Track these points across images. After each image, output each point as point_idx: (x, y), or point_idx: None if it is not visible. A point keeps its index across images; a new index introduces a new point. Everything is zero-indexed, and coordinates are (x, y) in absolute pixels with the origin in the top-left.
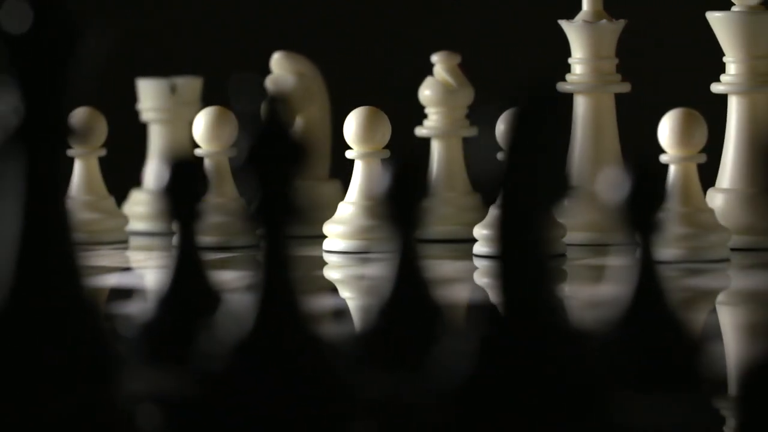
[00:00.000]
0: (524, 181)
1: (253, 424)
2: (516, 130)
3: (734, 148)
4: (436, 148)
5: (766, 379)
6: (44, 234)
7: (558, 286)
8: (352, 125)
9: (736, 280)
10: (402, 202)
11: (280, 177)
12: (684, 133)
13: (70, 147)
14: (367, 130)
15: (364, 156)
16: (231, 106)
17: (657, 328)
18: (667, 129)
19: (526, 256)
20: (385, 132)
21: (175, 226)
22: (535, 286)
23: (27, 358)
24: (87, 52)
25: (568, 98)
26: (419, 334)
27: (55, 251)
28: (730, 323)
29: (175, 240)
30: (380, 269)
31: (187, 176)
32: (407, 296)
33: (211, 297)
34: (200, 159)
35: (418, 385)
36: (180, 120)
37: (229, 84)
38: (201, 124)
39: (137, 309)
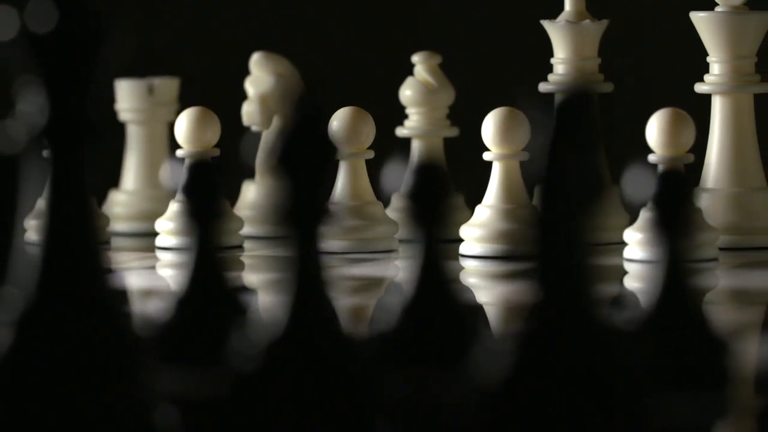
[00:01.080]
0: (563, 183)
1: (278, 424)
2: (555, 132)
3: (718, 148)
4: (416, 148)
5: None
6: (68, 234)
7: (595, 287)
8: (338, 125)
9: (724, 279)
10: (426, 201)
11: (314, 175)
12: (672, 133)
13: (95, 147)
14: (352, 130)
15: (349, 157)
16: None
17: (683, 326)
18: (655, 129)
19: (565, 257)
20: (370, 132)
21: (193, 227)
22: (573, 287)
23: (51, 358)
24: (112, 52)
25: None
26: (449, 334)
27: (79, 251)
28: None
29: (193, 241)
30: (404, 269)
31: (209, 176)
32: (431, 296)
33: (232, 298)
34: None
35: (449, 384)
36: (157, 120)
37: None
38: (183, 124)
39: (159, 309)
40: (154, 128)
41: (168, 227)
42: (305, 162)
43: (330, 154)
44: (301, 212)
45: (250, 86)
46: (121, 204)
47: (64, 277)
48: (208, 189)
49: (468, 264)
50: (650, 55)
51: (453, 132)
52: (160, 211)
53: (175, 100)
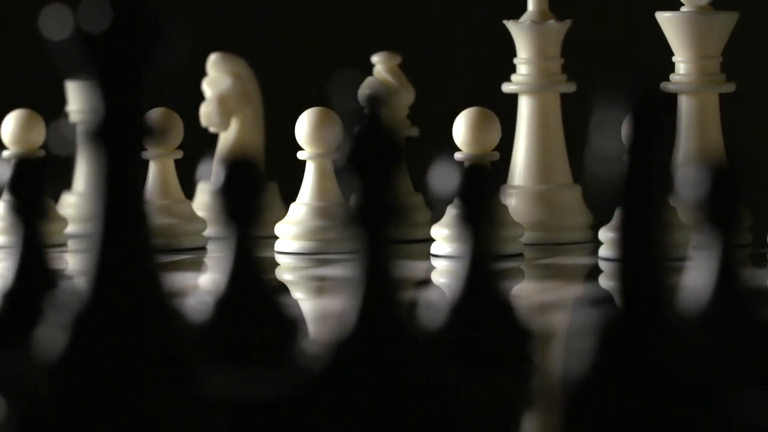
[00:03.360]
0: (645, 184)
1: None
2: (634, 132)
3: (685, 146)
4: None
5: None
6: (123, 235)
7: (677, 288)
8: (304, 126)
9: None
10: (476, 201)
11: (382, 177)
12: None
13: (147, 148)
14: (319, 131)
15: (316, 157)
16: (331, 104)
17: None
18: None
19: (650, 259)
20: (337, 133)
21: (231, 227)
22: (659, 288)
23: (106, 358)
24: (167, 52)
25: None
26: (514, 332)
27: (134, 252)
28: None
29: (231, 240)
30: (457, 268)
31: (242, 176)
32: (482, 296)
33: (273, 298)
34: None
35: (522, 382)
36: None
37: (330, 82)
38: None
39: (200, 310)
40: None
41: None
42: (374, 161)
43: (398, 152)
44: (371, 212)
45: (208, 87)
46: (73, 206)
47: (119, 277)
48: (244, 188)
49: (438, 264)
50: (615, 55)
51: (413, 132)
52: None
53: None
